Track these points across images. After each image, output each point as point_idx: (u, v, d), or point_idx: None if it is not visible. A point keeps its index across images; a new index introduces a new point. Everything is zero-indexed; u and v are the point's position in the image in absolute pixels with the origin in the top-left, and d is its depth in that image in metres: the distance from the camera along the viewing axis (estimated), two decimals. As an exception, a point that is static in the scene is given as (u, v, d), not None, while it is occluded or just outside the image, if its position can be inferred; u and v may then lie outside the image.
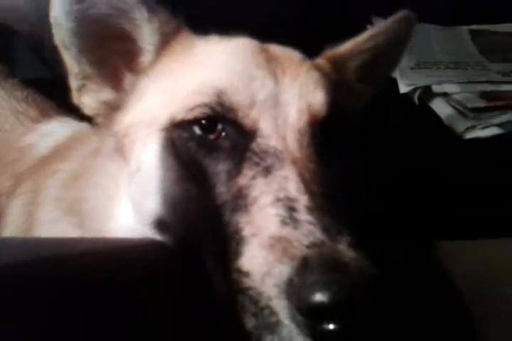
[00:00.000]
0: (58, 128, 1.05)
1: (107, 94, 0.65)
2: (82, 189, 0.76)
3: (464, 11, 1.73)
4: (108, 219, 0.68)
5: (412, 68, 1.69)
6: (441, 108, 1.43)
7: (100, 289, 0.48)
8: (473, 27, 1.80)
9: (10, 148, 1.04)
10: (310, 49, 0.71)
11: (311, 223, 0.45)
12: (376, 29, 0.77)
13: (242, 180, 0.52)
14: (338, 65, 0.73)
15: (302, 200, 0.47)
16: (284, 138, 0.54)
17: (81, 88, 0.64)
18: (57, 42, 0.61)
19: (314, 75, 0.60)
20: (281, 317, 0.42)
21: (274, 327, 0.42)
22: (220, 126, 0.55)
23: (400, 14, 0.78)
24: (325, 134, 0.57)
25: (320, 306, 0.39)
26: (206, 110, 0.55)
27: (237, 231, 0.49)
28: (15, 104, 1.14)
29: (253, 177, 0.52)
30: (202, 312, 0.54)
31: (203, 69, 0.59)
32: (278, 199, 0.48)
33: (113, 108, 0.65)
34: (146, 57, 0.65)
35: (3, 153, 1.03)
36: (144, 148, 0.60)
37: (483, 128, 1.29)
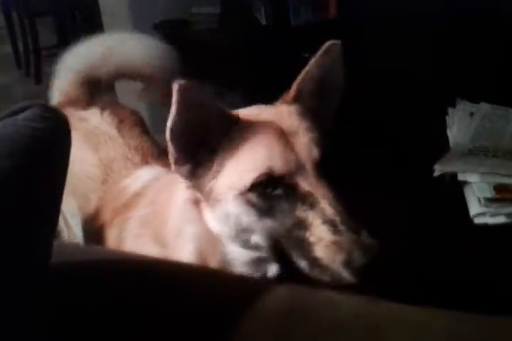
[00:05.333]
0: (145, 174, 1.36)
1: (189, 167, 0.97)
2: (162, 221, 1.12)
3: None
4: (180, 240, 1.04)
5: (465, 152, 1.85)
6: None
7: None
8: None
9: (113, 188, 1.37)
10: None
11: (346, 230, 0.84)
12: (309, 64, 1.00)
13: (298, 212, 0.88)
14: (298, 102, 1.01)
15: (337, 219, 0.85)
16: (311, 184, 0.89)
17: (176, 162, 0.97)
18: (167, 136, 0.92)
19: (309, 137, 0.94)
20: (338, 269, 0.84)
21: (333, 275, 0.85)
22: (274, 185, 0.90)
23: (324, 46, 0.97)
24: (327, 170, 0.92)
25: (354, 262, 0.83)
26: (265, 178, 0.90)
27: (304, 240, 0.87)
28: (127, 151, 1.45)
29: (304, 210, 0.88)
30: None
31: (257, 153, 0.93)
32: (325, 221, 0.85)
33: (193, 175, 0.98)
34: (218, 141, 0.95)
35: (109, 191, 1.37)
36: (228, 202, 0.94)
37: (491, 215, 1.51)
